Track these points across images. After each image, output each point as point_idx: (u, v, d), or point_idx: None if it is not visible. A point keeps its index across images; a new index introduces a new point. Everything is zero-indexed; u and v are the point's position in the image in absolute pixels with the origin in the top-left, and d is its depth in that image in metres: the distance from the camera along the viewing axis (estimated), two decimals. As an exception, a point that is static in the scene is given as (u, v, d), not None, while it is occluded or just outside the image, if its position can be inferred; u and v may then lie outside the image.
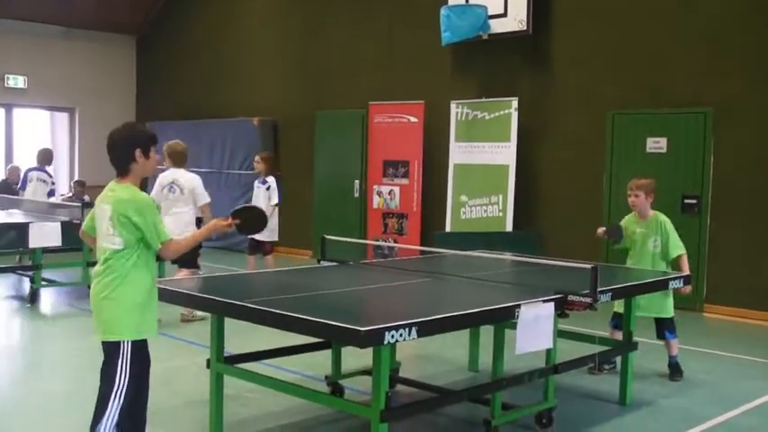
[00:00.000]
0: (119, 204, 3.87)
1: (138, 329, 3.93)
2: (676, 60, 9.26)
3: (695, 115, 9.10)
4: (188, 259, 7.71)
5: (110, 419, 3.86)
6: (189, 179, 8.05)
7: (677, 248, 6.21)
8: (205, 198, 8.08)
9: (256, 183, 9.47)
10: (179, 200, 7.94)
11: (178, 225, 7.57)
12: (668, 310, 6.20)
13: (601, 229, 6.51)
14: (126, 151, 3.95)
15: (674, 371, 6.25)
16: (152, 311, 3.99)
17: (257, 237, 8.74)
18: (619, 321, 6.07)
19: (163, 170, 8.29)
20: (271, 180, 9.29)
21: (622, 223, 6.46)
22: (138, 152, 3.95)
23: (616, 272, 6.08)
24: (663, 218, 6.29)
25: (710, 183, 9.01)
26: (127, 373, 3.88)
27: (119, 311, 3.87)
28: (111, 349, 3.90)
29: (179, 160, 8.10)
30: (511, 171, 10.17)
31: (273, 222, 9.05)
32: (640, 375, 6.09)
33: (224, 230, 4.40)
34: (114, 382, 3.87)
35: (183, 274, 7.84)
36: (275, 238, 9.37)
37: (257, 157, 9.51)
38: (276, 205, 9.16)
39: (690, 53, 9.17)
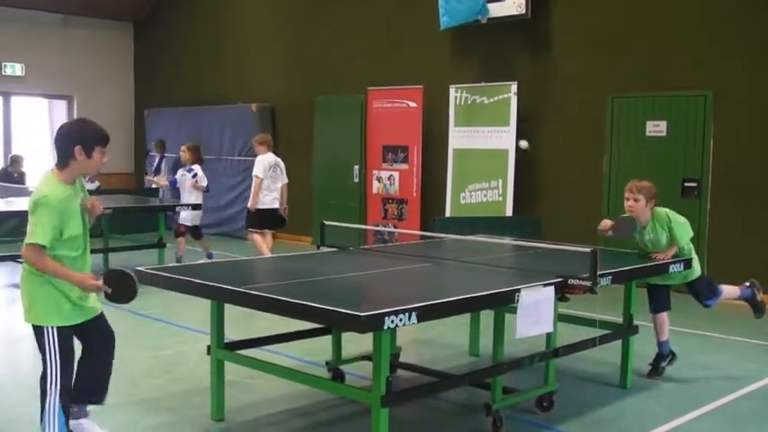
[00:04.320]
0: (32, 197, 3.87)
1: (64, 316, 3.93)
2: (676, 43, 9.22)
3: (695, 98, 9.06)
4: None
5: (52, 406, 3.89)
6: (281, 161, 9.88)
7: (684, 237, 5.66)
8: (286, 178, 9.92)
9: (181, 171, 10.66)
10: (279, 177, 9.74)
11: (282, 195, 9.74)
12: (695, 272, 5.78)
13: (607, 223, 5.73)
14: (67, 146, 3.87)
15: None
16: (74, 294, 3.95)
17: (181, 220, 10.35)
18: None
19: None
20: (197, 168, 10.44)
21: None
22: (78, 149, 3.85)
23: (616, 256, 6.06)
24: (662, 210, 5.68)
25: (710, 166, 8.98)
26: (57, 360, 3.89)
27: (41, 298, 3.92)
28: (36, 333, 3.96)
29: (272, 146, 9.93)
30: (510, 155, 10.15)
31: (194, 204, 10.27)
32: (640, 358, 6.08)
33: (88, 288, 3.94)
34: (46, 371, 3.90)
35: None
36: (194, 222, 10.45)
37: (183, 147, 10.68)
38: (206, 189, 10.53)
39: (689, 36, 9.13)
